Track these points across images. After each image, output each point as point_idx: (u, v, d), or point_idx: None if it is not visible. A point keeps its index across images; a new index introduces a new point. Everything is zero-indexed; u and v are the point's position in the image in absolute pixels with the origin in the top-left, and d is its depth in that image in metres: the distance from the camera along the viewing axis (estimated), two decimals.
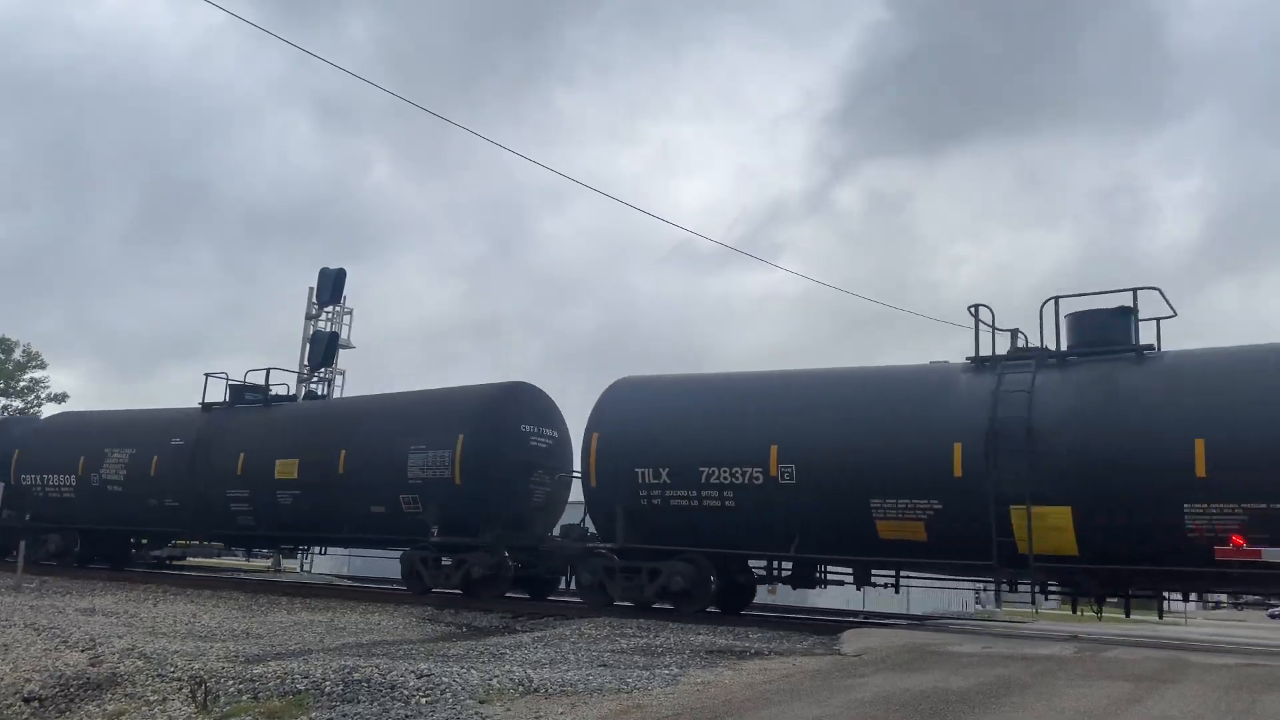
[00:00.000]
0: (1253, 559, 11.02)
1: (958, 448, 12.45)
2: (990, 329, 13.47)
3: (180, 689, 8.48)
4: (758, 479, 13.77)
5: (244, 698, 7.99)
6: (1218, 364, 12.05)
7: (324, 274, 34.97)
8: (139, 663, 9.25)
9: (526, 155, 71.14)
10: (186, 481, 20.15)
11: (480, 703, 7.26)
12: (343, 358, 34.94)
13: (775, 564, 15.12)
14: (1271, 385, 11.36)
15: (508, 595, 16.98)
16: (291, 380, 23.21)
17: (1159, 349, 12.82)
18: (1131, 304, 12.96)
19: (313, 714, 7.30)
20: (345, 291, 35.09)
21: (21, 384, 52.72)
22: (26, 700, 8.91)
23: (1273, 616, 57.96)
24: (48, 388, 53.14)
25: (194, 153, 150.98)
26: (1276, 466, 10.95)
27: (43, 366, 53.67)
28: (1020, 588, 13.58)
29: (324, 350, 33.92)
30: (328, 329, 34.53)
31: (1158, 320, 12.96)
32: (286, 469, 18.76)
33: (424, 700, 7.40)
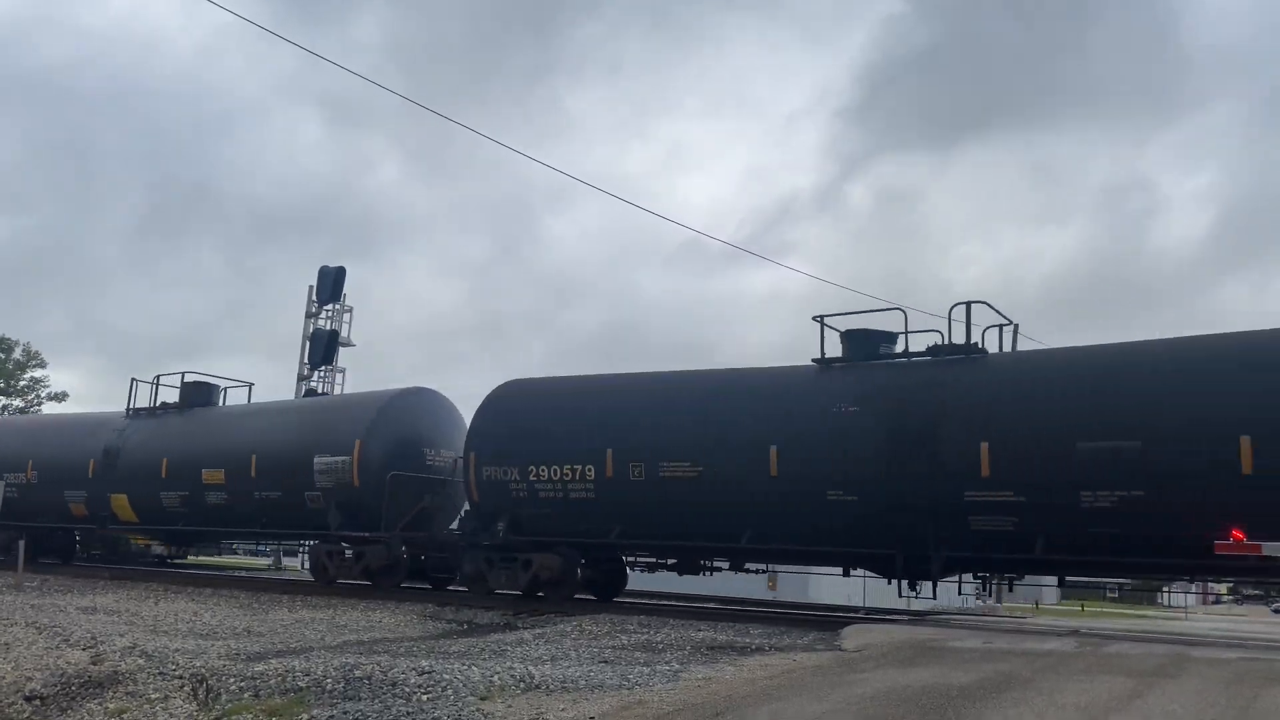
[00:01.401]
0: (1253, 553, 11.11)
1: (91, 463, 22.29)
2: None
3: (181, 687, 8.49)
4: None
5: (245, 695, 7.99)
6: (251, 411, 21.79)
7: (324, 272, 34.98)
8: (140, 661, 9.25)
9: (532, 156, 71.25)
10: None
11: (481, 699, 7.25)
12: (343, 356, 34.99)
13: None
14: (283, 422, 20.11)
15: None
16: None
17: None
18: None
19: (314, 711, 7.29)
20: (346, 290, 35.13)
21: (22, 383, 52.73)
22: (28, 699, 8.91)
23: (1276, 611, 57.59)
24: (48, 387, 53.14)
25: (200, 152, 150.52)
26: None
27: (43, 365, 53.60)
28: (1016, 587, 16.08)
29: (324, 348, 33.99)
30: (327, 327, 34.57)
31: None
32: None
33: (425, 697, 7.39)
